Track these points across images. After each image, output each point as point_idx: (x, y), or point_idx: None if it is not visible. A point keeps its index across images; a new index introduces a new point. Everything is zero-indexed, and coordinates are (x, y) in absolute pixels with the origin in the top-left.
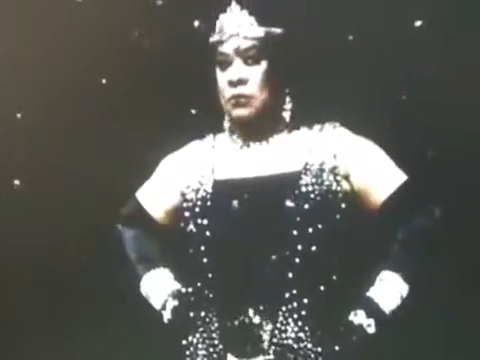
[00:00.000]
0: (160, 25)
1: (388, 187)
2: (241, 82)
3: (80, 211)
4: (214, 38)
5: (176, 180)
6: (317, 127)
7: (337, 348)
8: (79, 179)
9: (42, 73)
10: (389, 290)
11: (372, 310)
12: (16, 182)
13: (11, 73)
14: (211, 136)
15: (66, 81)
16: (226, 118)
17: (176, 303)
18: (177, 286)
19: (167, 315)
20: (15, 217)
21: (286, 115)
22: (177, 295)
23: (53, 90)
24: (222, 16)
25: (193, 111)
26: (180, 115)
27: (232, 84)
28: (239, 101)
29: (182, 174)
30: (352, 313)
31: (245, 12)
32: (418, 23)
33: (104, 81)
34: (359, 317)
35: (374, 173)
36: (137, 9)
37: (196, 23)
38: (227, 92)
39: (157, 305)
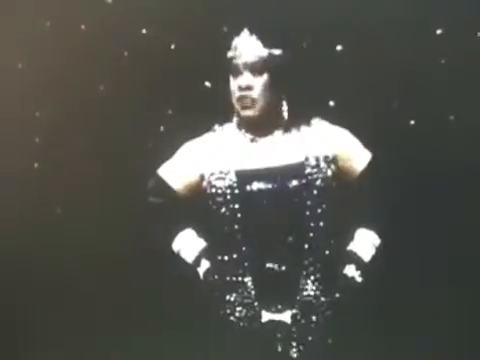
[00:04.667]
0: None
1: (362, 163)
2: (248, 88)
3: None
4: (230, 54)
5: (195, 161)
6: (306, 124)
7: (337, 295)
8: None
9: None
10: (366, 243)
11: (358, 262)
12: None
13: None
14: (218, 127)
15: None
16: (235, 116)
17: (209, 265)
18: (204, 244)
19: (202, 273)
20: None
21: (283, 115)
22: (208, 256)
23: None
24: (236, 39)
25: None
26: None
27: (241, 89)
28: (245, 103)
29: (201, 158)
30: (346, 267)
31: (254, 37)
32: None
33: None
34: (351, 270)
35: (352, 155)
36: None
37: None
38: (237, 94)
39: (189, 259)
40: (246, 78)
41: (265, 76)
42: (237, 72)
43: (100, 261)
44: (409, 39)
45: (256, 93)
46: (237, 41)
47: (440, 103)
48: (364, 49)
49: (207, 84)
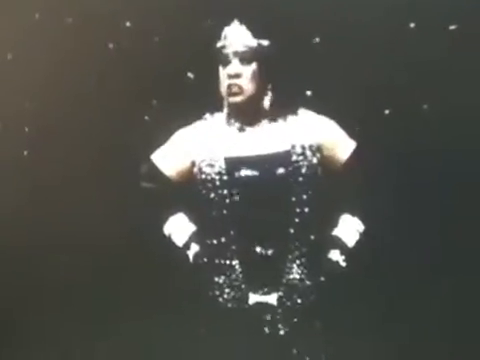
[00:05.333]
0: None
1: (346, 152)
2: (237, 76)
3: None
4: (220, 43)
5: (187, 148)
6: (292, 113)
7: (322, 278)
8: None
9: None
10: (350, 229)
11: (342, 247)
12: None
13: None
14: (209, 116)
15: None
16: (225, 105)
17: (198, 248)
18: (194, 228)
19: (191, 256)
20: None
21: (267, 103)
22: (198, 240)
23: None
24: (227, 28)
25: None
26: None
27: (230, 76)
28: (234, 90)
29: (192, 145)
30: (329, 252)
31: (244, 27)
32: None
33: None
34: (335, 255)
35: (336, 144)
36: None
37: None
38: (226, 82)
39: (179, 242)
40: (235, 66)
41: (254, 65)
42: (226, 61)
43: (92, 246)
44: (384, 32)
45: (244, 81)
46: (227, 31)
47: (414, 93)
48: (342, 42)
49: (190, 75)
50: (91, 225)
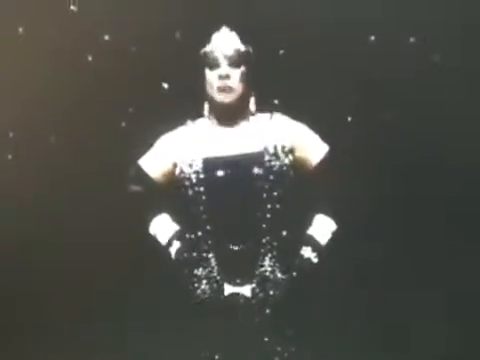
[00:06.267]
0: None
1: (318, 154)
2: (227, 77)
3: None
4: (208, 48)
5: (169, 152)
6: (268, 116)
7: (294, 274)
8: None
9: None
10: (322, 228)
11: (314, 245)
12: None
13: None
14: (190, 123)
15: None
16: (207, 107)
17: (179, 244)
18: (177, 228)
19: (174, 253)
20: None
21: (250, 107)
22: (179, 237)
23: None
24: (216, 34)
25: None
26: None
27: (221, 77)
28: (224, 90)
29: (174, 148)
30: (302, 248)
31: (233, 33)
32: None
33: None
34: (307, 252)
35: (308, 148)
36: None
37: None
38: (216, 83)
39: (163, 241)
40: (225, 68)
41: (241, 68)
42: (216, 64)
43: (82, 245)
44: (346, 43)
45: (234, 83)
46: (216, 36)
47: (375, 101)
48: (306, 52)
49: (164, 85)
50: (77, 226)
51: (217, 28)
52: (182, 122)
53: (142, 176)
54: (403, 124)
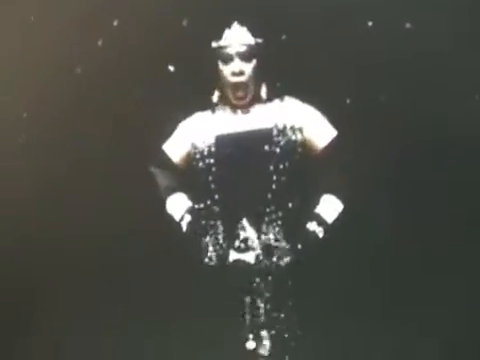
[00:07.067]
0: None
1: (325, 138)
2: (241, 73)
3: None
4: (221, 43)
5: (188, 136)
6: (279, 100)
7: (299, 246)
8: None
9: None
10: (329, 207)
11: (320, 221)
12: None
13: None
14: (207, 109)
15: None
16: (216, 94)
17: (190, 217)
18: (190, 204)
19: (184, 225)
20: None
21: (263, 94)
22: (191, 211)
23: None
24: (228, 31)
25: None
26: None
27: (234, 74)
28: (238, 86)
29: (192, 131)
30: (308, 222)
31: (244, 28)
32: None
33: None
34: (313, 226)
35: (316, 129)
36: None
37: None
38: (231, 79)
39: (177, 217)
40: (238, 64)
41: (253, 62)
42: (229, 59)
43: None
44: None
45: (246, 77)
46: (229, 32)
47: (373, 84)
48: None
49: (171, 68)
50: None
51: (222, 18)
52: (191, 106)
53: (164, 160)
54: (400, 105)
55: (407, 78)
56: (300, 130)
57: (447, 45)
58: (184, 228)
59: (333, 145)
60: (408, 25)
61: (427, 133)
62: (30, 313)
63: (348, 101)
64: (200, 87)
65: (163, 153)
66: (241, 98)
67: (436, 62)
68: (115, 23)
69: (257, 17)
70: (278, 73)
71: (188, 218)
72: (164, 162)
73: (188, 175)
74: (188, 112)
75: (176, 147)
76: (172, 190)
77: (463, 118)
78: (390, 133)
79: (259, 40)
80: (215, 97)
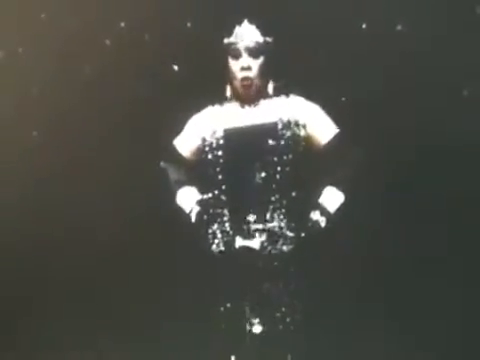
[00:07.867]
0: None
1: (327, 135)
2: (249, 68)
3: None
4: (231, 40)
5: (198, 130)
6: (285, 96)
7: (302, 234)
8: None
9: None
10: (332, 198)
11: (323, 211)
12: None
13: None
14: (216, 104)
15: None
16: (228, 89)
17: (199, 208)
18: (199, 197)
19: (193, 216)
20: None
21: (270, 90)
22: (200, 202)
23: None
24: (238, 27)
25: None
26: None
27: (243, 68)
28: (246, 81)
29: (202, 126)
30: (311, 212)
31: (253, 26)
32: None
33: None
34: (316, 215)
35: (319, 125)
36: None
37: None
38: (239, 74)
39: (187, 209)
40: (246, 59)
41: (261, 58)
42: (238, 55)
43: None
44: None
45: (254, 72)
46: (238, 29)
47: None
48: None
49: (175, 67)
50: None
51: (223, 19)
52: (199, 103)
53: (174, 154)
54: (394, 103)
55: (399, 76)
56: (304, 126)
57: (436, 45)
58: (193, 218)
59: (335, 142)
60: (399, 27)
61: (421, 131)
62: (29, 313)
63: (343, 99)
64: (204, 85)
65: (173, 148)
66: (247, 87)
67: (425, 61)
68: (122, 24)
69: (257, 17)
70: (280, 71)
71: (197, 209)
72: (174, 156)
73: (197, 168)
74: (196, 108)
75: (186, 141)
76: (182, 183)
77: (454, 115)
78: (384, 130)
79: (268, 39)
80: (227, 92)
